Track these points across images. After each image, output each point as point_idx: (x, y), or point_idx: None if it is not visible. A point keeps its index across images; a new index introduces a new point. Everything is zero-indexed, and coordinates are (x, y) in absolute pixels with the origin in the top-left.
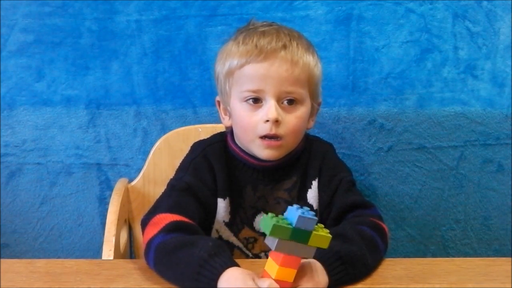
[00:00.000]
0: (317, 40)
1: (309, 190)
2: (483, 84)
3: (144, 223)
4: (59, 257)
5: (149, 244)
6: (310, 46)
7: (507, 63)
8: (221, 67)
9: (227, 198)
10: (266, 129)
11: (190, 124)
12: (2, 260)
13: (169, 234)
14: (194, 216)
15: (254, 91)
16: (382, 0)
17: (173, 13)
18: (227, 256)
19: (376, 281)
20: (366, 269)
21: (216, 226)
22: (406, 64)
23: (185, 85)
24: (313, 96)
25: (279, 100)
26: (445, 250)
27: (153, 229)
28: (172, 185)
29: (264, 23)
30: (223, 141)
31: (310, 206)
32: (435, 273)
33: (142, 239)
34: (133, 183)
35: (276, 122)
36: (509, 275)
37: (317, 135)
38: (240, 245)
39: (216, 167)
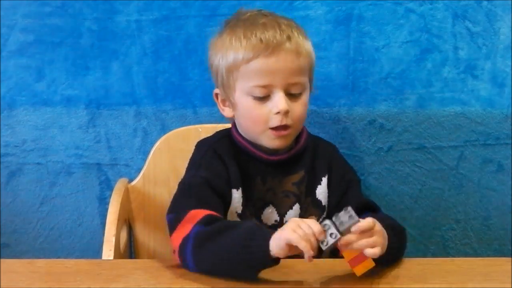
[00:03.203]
0: (317, 40)
1: (319, 186)
2: (483, 84)
3: (175, 222)
4: (59, 257)
5: (186, 238)
6: (302, 30)
7: (507, 63)
8: (221, 61)
9: (240, 188)
10: (277, 120)
11: (190, 124)
12: (2, 260)
13: (206, 226)
14: (218, 209)
15: (262, 86)
16: (382, 0)
17: (173, 13)
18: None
19: (376, 281)
20: (402, 251)
21: (229, 217)
22: (406, 64)
23: (185, 85)
24: (311, 80)
25: (285, 91)
26: (445, 250)
27: (188, 225)
28: (189, 183)
29: (255, 12)
30: (228, 136)
31: (319, 202)
32: (435, 273)
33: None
34: (133, 183)
35: (286, 113)
36: (509, 275)
37: (317, 135)
38: None
39: (227, 160)
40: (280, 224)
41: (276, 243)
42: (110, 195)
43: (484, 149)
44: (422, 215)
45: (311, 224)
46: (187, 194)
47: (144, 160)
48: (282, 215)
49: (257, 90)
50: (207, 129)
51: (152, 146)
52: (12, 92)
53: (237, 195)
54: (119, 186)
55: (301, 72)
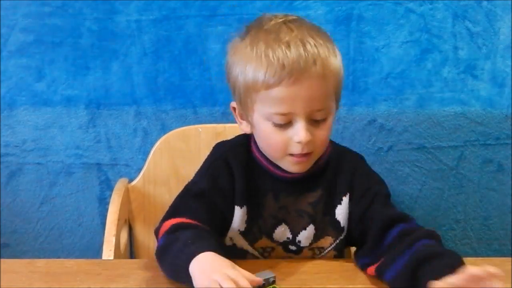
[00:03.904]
0: None
1: (339, 206)
2: (483, 84)
3: (156, 234)
4: (59, 257)
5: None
6: (330, 40)
7: (507, 63)
8: (240, 76)
9: (244, 206)
10: (297, 149)
11: (190, 124)
12: (2, 260)
13: (168, 236)
14: (204, 221)
15: (283, 114)
16: (382, 0)
17: (173, 13)
18: (204, 244)
19: (376, 281)
20: None
21: (230, 234)
22: (406, 64)
23: (185, 85)
24: (338, 98)
25: (308, 117)
26: None
27: (158, 238)
28: (187, 189)
29: (280, 21)
30: (246, 145)
31: (337, 223)
32: None
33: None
34: (133, 183)
35: (308, 143)
36: (509, 275)
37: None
38: (255, 253)
39: (236, 173)
40: (292, 242)
41: (194, 280)
42: (110, 195)
43: (484, 149)
44: (422, 215)
45: (239, 280)
46: (180, 199)
47: (144, 160)
48: (295, 234)
49: (277, 118)
50: (207, 129)
51: (152, 146)
52: (12, 92)
53: (239, 212)
54: (119, 186)
55: (326, 97)
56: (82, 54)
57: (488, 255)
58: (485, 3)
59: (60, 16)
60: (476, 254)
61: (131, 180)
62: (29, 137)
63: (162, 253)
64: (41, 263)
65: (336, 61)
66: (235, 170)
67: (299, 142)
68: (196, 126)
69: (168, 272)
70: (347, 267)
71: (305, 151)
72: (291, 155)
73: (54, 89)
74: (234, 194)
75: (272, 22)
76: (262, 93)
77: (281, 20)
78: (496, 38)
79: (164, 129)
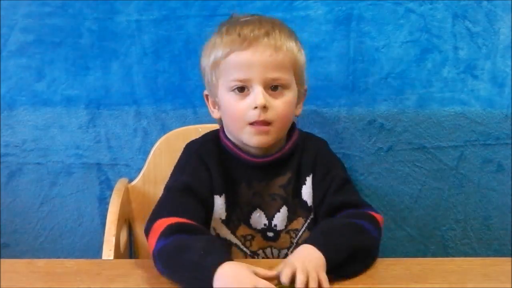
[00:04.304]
0: (317, 40)
1: (304, 186)
2: (483, 84)
3: (147, 233)
4: (59, 257)
5: (153, 253)
6: (292, 34)
7: (507, 63)
8: (207, 60)
9: (223, 194)
10: (255, 115)
11: (190, 124)
12: (2, 260)
13: (167, 238)
14: (195, 216)
15: (240, 80)
16: (382, 0)
17: (173, 13)
18: (219, 252)
19: (376, 281)
20: (353, 245)
21: (213, 224)
22: (406, 64)
23: (185, 85)
24: (299, 81)
25: (265, 87)
26: (445, 250)
27: (154, 236)
28: (169, 187)
29: (247, 14)
30: (215, 139)
31: (305, 203)
32: (435, 273)
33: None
34: (133, 183)
35: (264, 108)
36: (509, 275)
37: (317, 135)
38: (238, 242)
39: (211, 166)
40: (269, 228)
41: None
42: (110, 195)
43: (484, 149)
44: (422, 215)
45: None
46: (165, 199)
47: (144, 160)
48: (270, 218)
49: (234, 84)
50: (207, 129)
51: (152, 146)
52: (12, 92)
53: (219, 201)
54: (119, 186)
55: (281, 68)
56: (82, 54)
57: (488, 255)
58: (485, 3)
59: (60, 16)
60: (476, 254)
61: (131, 180)
62: (29, 137)
63: (168, 258)
64: (41, 263)
65: (291, 44)
66: (209, 163)
67: (255, 107)
68: (196, 126)
69: (177, 279)
70: None
71: (262, 118)
72: (250, 125)
73: (54, 89)
74: (212, 184)
75: (239, 16)
76: (222, 64)
77: (249, 15)
78: (496, 38)
79: (164, 129)
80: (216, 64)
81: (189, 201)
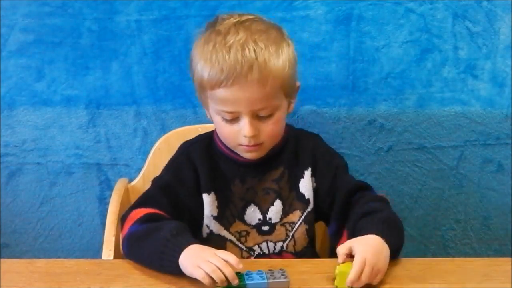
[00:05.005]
0: (317, 40)
1: (302, 180)
2: (483, 84)
3: (123, 220)
4: (59, 257)
5: (124, 237)
6: (276, 43)
7: (507, 63)
8: (194, 73)
9: (212, 192)
10: (245, 142)
11: (190, 124)
12: (2, 260)
13: (141, 225)
14: (169, 212)
15: (228, 112)
16: (382, 0)
17: (173, 13)
18: (188, 236)
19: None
20: (402, 232)
21: (206, 221)
22: (406, 64)
23: (185, 85)
24: (289, 93)
25: (253, 115)
26: (445, 250)
27: (129, 223)
28: (154, 182)
29: (232, 22)
30: (208, 138)
31: (302, 196)
32: (435, 273)
33: None
34: (133, 183)
35: (254, 136)
36: (509, 275)
37: (317, 134)
38: (233, 238)
39: (198, 164)
40: (263, 222)
41: (185, 269)
42: (110, 195)
43: (484, 149)
44: (422, 215)
45: (227, 256)
46: (147, 194)
47: (144, 160)
48: (264, 212)
49: (224, 114)
50: (207, 129)
51: (152, 146)
52: (12, 92)
53: (208, 199)
54: (119, 186)
55: (268, 99)
56: (82, 54)
57: (488, 255)
58: (485, 3)
59: (60, 16)
60: (476, 254)
61: (131, 180)
62: (29, 137)
63: (139, 240)
64: (41, 263)
65: (278, 62)
66: (197, 162)
67: (245, 136)
68: (196, 126)
69: (145, 258)
70: None
71: (252, 143)
72: (242, 145)
73: (54, 89)
74: (199, 184)
75: (225, 22)
76: (209, 92)
77: (234, 21)
78: (496, 38)
79: (164, 129)
80: (203, 87)
81: (166, 199)
